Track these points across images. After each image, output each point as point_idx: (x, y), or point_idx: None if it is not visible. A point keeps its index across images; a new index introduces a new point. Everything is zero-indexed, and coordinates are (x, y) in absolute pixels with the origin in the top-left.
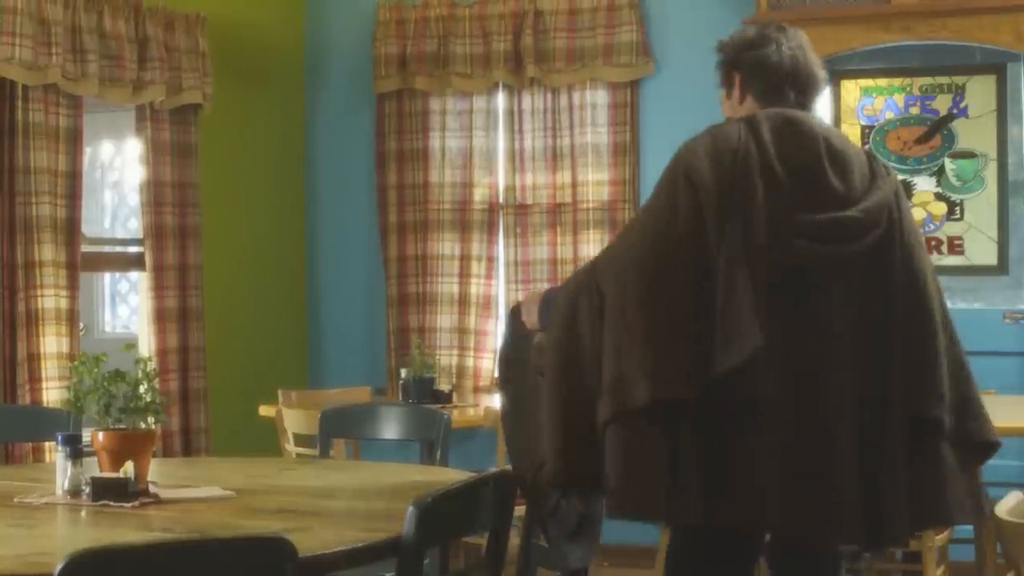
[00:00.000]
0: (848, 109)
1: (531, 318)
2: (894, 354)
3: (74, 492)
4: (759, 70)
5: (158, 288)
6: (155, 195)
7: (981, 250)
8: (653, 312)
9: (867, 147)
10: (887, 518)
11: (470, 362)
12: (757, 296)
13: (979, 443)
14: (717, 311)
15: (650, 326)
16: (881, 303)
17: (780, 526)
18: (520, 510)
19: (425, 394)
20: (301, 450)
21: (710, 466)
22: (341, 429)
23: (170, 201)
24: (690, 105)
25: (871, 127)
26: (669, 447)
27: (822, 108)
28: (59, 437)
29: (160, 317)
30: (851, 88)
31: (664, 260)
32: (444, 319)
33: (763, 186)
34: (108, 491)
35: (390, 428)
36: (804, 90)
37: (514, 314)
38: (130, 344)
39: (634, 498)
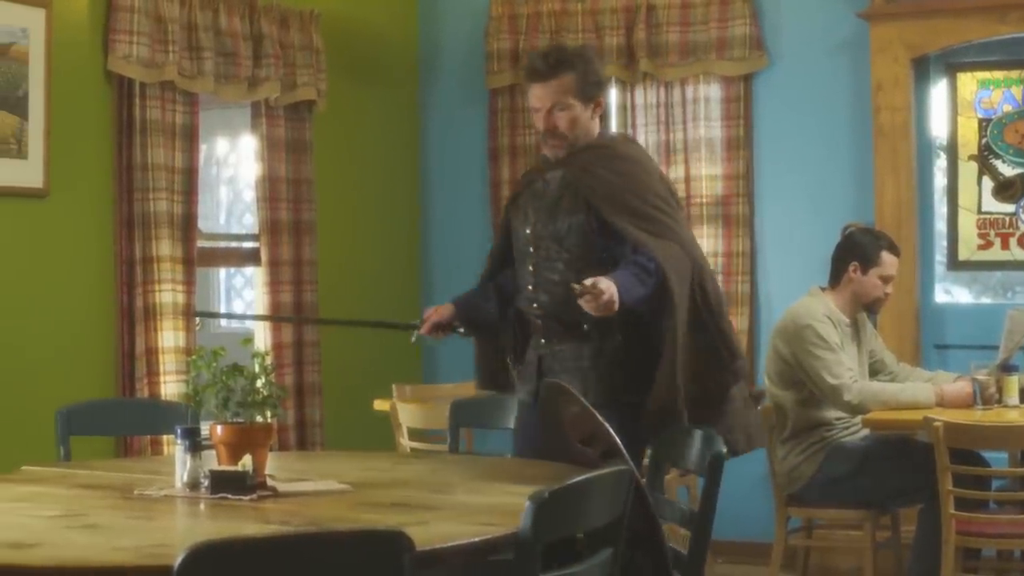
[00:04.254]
0: (965, 102)
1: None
2: None
3: (193, 485)
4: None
5: (273, 283)
6: (270, 191)
7: None
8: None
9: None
10: None
11: None
12: None
13: None
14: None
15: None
16: None
17: None
18: None
19: None
20: (415, 444)
21: None
22: (471, 420)
23: (285, 197)
24: (804, 98)
25: (988, 120)
26: None
27: (939, 101)
28: (178, 430)
29: (275, 312)
30: (967, 81)
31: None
32: None
33: None
34: (226, 484)
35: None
36: None
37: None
38: (248, 339)
39: None
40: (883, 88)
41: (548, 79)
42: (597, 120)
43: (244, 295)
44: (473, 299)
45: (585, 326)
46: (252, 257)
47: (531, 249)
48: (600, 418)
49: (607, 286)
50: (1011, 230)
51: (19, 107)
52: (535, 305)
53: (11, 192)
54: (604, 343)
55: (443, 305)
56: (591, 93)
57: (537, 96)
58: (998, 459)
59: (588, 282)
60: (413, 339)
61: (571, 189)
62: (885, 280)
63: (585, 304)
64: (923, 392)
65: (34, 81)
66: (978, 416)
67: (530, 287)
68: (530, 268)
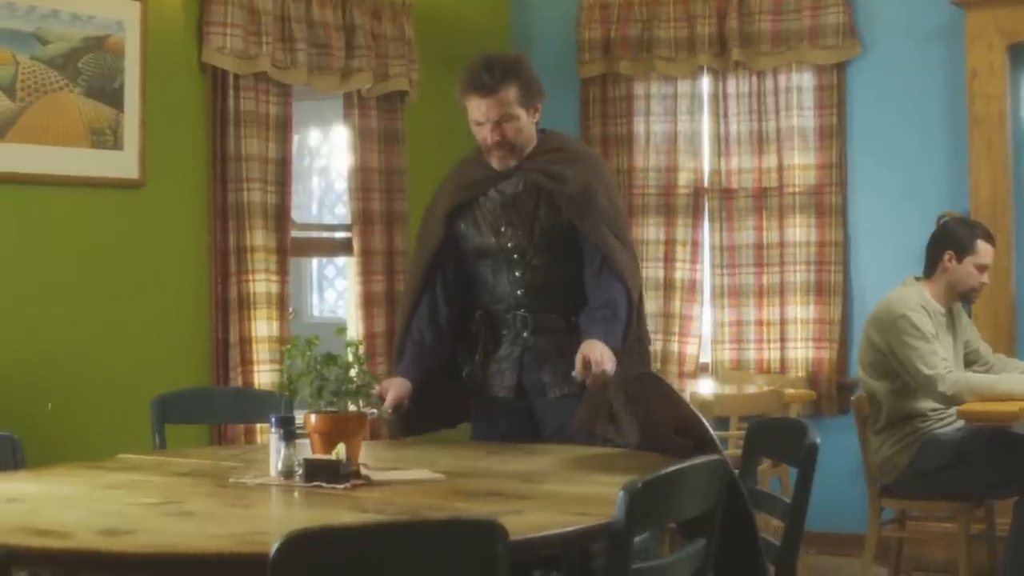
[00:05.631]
0: None
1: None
2: None
3: (287, 473)
4: None
5: (365, 272)
6: (362, 181)
7: None
8: None
9: None
10: None
11: (675, 347)
12: None
13: None
14: None
15: None
16: None
17: None
18: None
19: None
20: None
21: None
22: None
23: (377, 187)
24: (897, 87)
25: None
26: None
27: None
28: (273, 419)
29: (367, 302)
30: None
31: None
32: (649, 304)
33: None
34: (320, 472)
35: None
36: None
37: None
38: (341, 328)
39: None
40: (978, 76)
41: (496, 92)
42: (534, 124)
43: (336, 284)
44: (419, 370)
45: (573, 318)
46: (344, 247)
47: (515, 256)
48: (695, 409)
49: (601, 354)
50: None
51: (115, 99)
52: (523, 310)
53: (107, 183)
54: None
55: (397, 381)
56: (532, 101)
57: (482, 110)
58: None
59: (578, 369)
60: (386, 419)
61: (543, 193)
62: (980, 269)
63: (593, 381)
64: (1019, 383)
65: (130, 73)
66: None
67: (520, 291)
68: (517, 274)
